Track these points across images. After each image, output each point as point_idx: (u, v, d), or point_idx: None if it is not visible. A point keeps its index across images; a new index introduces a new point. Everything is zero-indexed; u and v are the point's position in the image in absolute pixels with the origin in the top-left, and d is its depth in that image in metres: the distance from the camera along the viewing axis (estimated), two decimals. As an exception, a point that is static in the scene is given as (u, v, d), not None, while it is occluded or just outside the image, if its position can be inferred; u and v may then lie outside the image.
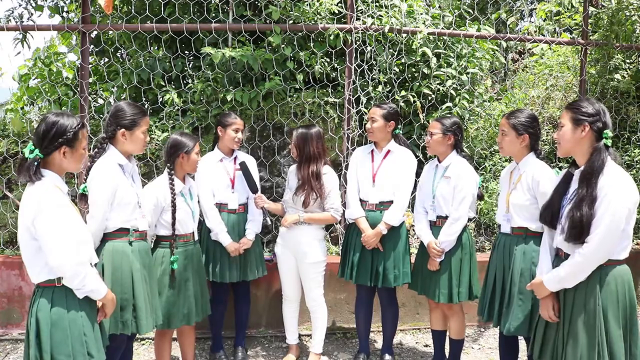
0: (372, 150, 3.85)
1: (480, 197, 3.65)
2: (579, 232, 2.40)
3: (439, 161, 3.65)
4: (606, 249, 2.37)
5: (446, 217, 3.55)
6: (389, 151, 3.81)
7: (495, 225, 5.21)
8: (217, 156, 3.90)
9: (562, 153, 2.60)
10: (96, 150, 2.96)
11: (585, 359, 2.40)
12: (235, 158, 3.94)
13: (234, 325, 4.15)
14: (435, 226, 3.60)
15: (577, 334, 2.44)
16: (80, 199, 2.84)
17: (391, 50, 4.97)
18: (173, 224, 3.30)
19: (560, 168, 5.29)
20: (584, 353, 2.40)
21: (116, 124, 2.95)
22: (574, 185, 2.53)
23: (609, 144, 2.46)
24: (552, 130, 5.74)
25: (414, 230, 5.14)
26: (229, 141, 3.86)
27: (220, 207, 3.85)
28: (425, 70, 5.12)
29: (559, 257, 2.59)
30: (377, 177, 3.78)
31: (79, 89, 4.66)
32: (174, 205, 3.29)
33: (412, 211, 5.11)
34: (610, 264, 2.41)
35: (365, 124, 3.81)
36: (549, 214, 2.64)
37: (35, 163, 2.29)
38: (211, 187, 3.82)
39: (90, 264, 2.46)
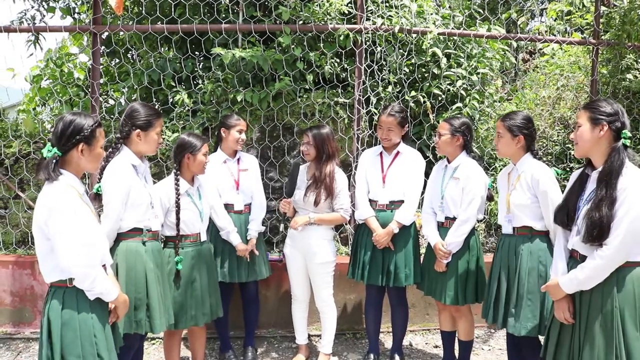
0: (381, 153, 3.85)
1: (489, 199, 3.63)
2: (599, 233, 2.36)
3: (448, 162, 3.64)
4: (626, 251, 2.34)
5: (454, 219, 3.53)
6: (398, 152, 3.81)
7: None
8: (221, 158, 3.91)
9: (580, 154, 2.57)
10: (110, 150, 2.97)
11: None
12: (238, 159, 3.95)
13: (243, 325, 4.16)
14: (443, 227, 3.59)
15: (594, 336, 2.41)
16: (94, 199, 2.84)
17: (401, 51, 4.97)
18: (177, 224, 3.30)
19: (571, 169, 5.26)
20: (602, 355, 2.38)
21: (131, 125, 2.97)
22: (591, 186, 2.50)
23: (628, 144, 2.44)
24: (562, 131, 5.71)
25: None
26: (232, 142, 3.87)
27: (227, 208, 3.86)
28: (436, 71, 5.11)
29: (573, 259, 2.57)
30: (387, 178, 3.78)
31: (90, 90, 4.69)
32: (177, 206, 3.28)
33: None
34: (627, 265, 2.37)
35: (379, 130, 3.76)
36: (564, 215, 2.60)
37: (54, 161, 2.31)
38: (217, 188, 3.83)
39: (105, 265, 2.47)
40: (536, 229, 3.08)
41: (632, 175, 2.36)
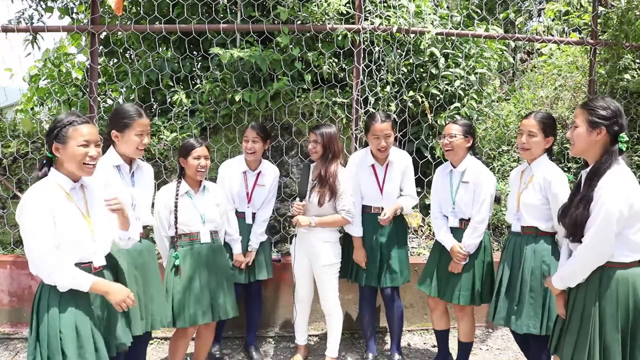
0: (373, 165, 3.81)
1: (497, 200, 3.60)
2: (573, 231, 2.42)
3: (453, 166, 3.62)
4: (598, 250, 2.35)
5: (469, 219, 3.54)
6: (389, 162, 3.82)
7: (503, 226, 5.19)
8: (242, 167, 3.93)
9: (576, 153, 2.57)
10: None
11: (575, 356, 2.43)
12: (258, 174, 3.95)
13: (243, 325, 4.17)
14: (459, 230, 3.58)
15: (573, 331, 2.47)
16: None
17: (399, 51, 4.97)
18: (175, 222, 3.38)
19: (569, 169, 5.28)
20: (577, 352, 2.43)
21: (111, 126, 2.96)
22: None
23: (624, 149, 2.43)
24: (560, 130, 5.72)
25: (421, 230, 5.15)
26: (245, 152, 3.91)
27: (237, 214, 3.90)
28: (434, 71, 5.12)
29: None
30: (384, 190, 3.81)
31: (88, 90, 4.69)
32: (175, 206, 3.37)
33: (419, 212, 5.12)
34: (612, 266, 2.38)
35: (375, 140, 3.71)
36: (565, 217, 2.62)
37: (44, 161, 2.36)
38: (231, 195, 3.87)
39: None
40: (541, 229, 3.13)
41: (611, 176, 2.36)
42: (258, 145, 3.87)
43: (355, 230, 3.79)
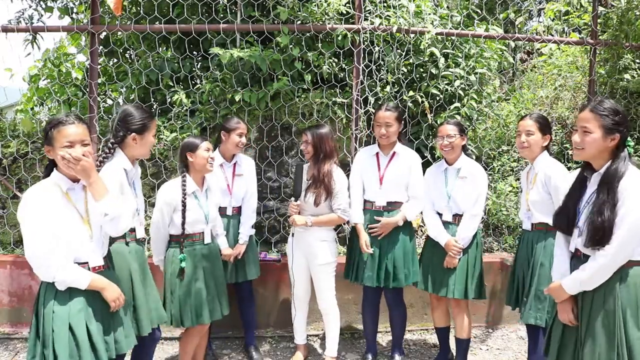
0: (377, 153, 3.85)
1: None
2: (601, 237, 2.34)
3: (449, 164, 3.68)
4: (628, 250, 2.33)
5: (461, 215, 3.63)
6: (394, 153, 3.81)
7: (503, 226, 5.20)
8: (218, 161, 3.91)
9: (584, 158, 2.48)
10: (104, 155, 2.90)
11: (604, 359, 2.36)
12: (235, 164, 3.97)
13: (242, 325, 4.17)
14: (452, 224, 3.67)
15: (596, 334, 2.39)
16: None
17: (399, 51, 4.97)
18: (183, 223, 3.32)
19: (569, 169, 5.27)
20: (603, 354, 2.36)
21: (126, 129, 2.88)
22: (591, 188, 2.47)
23: (632, 152, 2.44)
24: (560, 130, 5.72)
25: (421, 230, 5.15)
26: (232, 146, 3.88)
27: (220, 210, 3.87)
28: (434, 71, 5.11)
29: (577, 258, 2.52)
30: (384, 179, 3.78)
31: (88, 90, 4.69)
32: (184, 205, 3.31)
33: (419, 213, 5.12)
34: (630, 265, 2.36)
35: (377, 128, 3.74)
36: (564, 219, 2.56)
37: (48, 162, 2.44)
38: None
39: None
40: (551, 224, 3.15)
41: (633, 177, 2.34)
42: (245, 138, 3.95)
43: (355, 216, 3.79)
